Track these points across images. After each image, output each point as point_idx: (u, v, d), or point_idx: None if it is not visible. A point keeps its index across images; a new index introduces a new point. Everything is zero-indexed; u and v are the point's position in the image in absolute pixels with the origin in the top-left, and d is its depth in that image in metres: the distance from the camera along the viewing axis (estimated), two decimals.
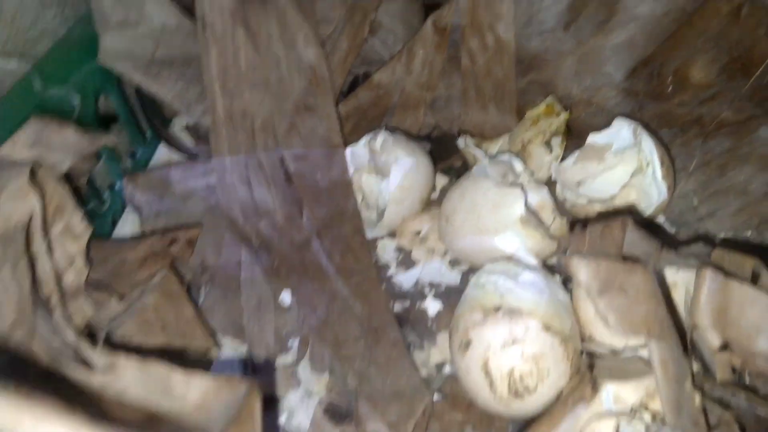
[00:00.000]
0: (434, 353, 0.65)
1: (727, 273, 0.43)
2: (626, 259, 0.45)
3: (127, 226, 0.73)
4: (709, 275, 0.42)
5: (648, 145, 0.64)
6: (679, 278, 0.46)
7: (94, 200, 0.70)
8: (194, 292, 0.69)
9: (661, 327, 0.41)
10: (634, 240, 0.45)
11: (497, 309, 0.54)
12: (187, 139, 0.80)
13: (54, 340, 0.48)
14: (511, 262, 0.59)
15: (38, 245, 0.54)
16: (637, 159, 0.66)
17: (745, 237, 0.67)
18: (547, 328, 0.52)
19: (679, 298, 0.46)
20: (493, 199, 0.63)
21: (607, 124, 0.78)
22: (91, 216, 0.67)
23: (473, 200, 0.64)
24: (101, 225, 0.71)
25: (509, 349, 0.52)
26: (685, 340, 0.44)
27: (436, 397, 0.61)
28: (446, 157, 0.84)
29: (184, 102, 0.72)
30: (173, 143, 0.78)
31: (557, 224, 0.71)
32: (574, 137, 0.79)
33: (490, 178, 0.65)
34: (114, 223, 0.74)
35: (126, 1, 0.68)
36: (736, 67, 0.66)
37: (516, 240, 0.63)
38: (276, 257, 0.70)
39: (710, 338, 0.43)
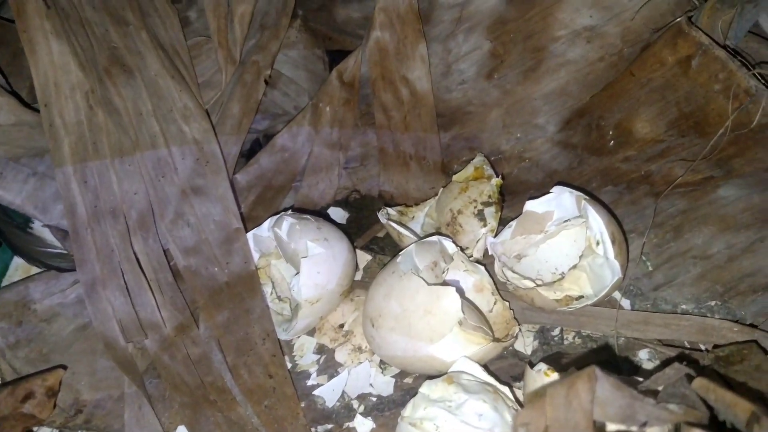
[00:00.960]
0: None
1: (701, 422, 0.34)
2: (597, 426, 0.35)
3: None
4: None
5: (596, 221, 0.55)
6: None
7: None
8: None
9: None
10: (605, 396, 0.35)
11: None
12: (52, 239, 0.66)
13: None
14: (451, 385, 0.49)
15: None
16: (586, 237, 0.57)
17: (709, 307, 0.60)
18: None
19: None
20: (425, 302, 0.53)
21: (543, 179, 0.70)
22: None
23: (402, 303, 0.54)
24: None
25: None
26: None
27: None
28: (368, 226, 0.73)
29: (38, 204, 0.59)
30: (28, 254, 0.64)
31: (499, 308, 0.61)
32: (508, 194, 0.70)
33: (419, 273, 0.54)
34: None
35: None
36: (687, 124, 0.58)
37: (455, 347, 0.53)
38: (167, 383, 0.57)
39: None
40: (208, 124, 0.66)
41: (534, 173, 0.70)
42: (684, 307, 0.60)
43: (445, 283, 0.56)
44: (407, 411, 0.49)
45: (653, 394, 0.40)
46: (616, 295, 0.61)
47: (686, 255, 0.61)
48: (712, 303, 0.59)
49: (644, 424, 0.34)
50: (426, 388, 0.49)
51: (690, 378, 0.42)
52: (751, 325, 0.57)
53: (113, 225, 0.59)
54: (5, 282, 0.66)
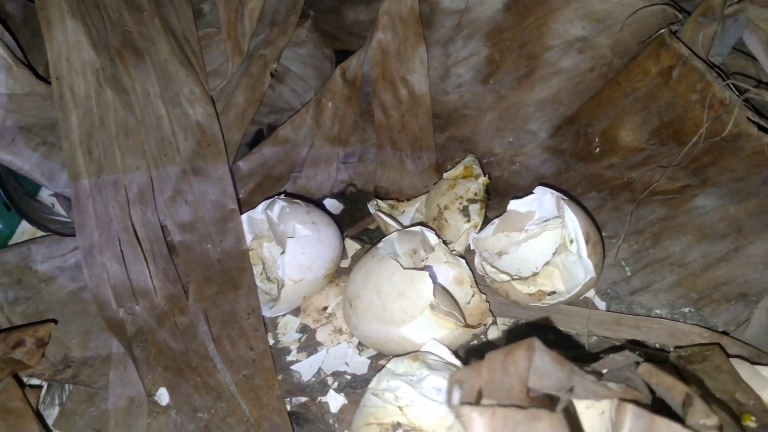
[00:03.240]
0: None
1: (652, 400, 0.35)
2: (531, 395, 0.37)
3: None
4: (631, 412, 0.35)
5: (571, 220, 0.57)
6: (603, 407, 0.38)
7: None
8: (56, 393, 0.59)
9: None
10: (543, 367, 0.37)
11: (395, 427, 0.46)
12: (59, 208, 0.69)
13: None
14: (416, 362, 0.51)
15: None
16: (561, 235, 0.58)
17: (683, 314, 0.61)
18: None
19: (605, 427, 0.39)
20: (399, 284, 0.55)
21: (531, 183, 0.72)
22: None
23: (377, 285, 0.56)
24: None
25: None
26: None
27: None
28: (360, 218, 0.76)
29: (45, 171, 0.62)
30: (35, 219, 0.67)
31: (476, 300, 0.63)
32: (497, 196, 0.72)
33: (397, 258, 0.57)
34: None
35: None
36: (667, 133, 0.60)
37: (425, 330, 0.55)
38: (153, 347, 0.60)
39: None
40: (213, 109, 0.70)
41: (523, 177, 0.72)
42: (658, 312, 0.61)
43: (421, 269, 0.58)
44: (372, 383, 0.51)
45: (598, 375, 0.41)
46: (591, 295, 0.63)
47: (664, 262, 0.62)
48: (686, 309, 0.61)
49: (571, 390, 0.36)
50: (392, 364, 0.51)
51: (638, 365, 0.43)
52: (723, 332, 0.58)
53: (114, 196, 0.62)
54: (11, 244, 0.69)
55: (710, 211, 0.60)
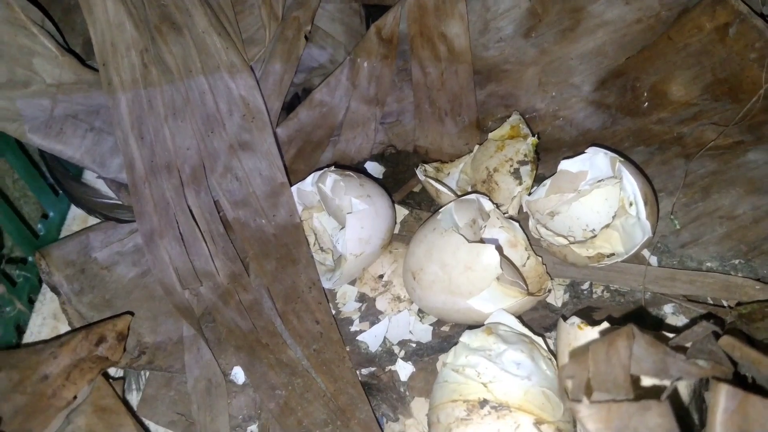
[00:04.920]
0: (410, 425, 0.59)
1: (746, 385, 0.38)
2: (636, 382, 0.39)
3: (47, 305, 0.64)
4: (723, 392, 0.37)
5: (630, 182, 0.58)
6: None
7: (4, 283, 0.60)
8: (133, 379, 0.61)
9: None
10: (641, 353, 0.39)
11: (483, 403, 0.48)
12: (107, 190, 0.69)
13: None
14: (491, 335, 0.53)
15: None
16: (619, 198, 0.59)
17: (733, 265, 0.63)
18: (539, 422, 0.47)
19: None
20: (465, 258, 0.56)
21: (576, 138, 0.72)
22: None
23: (442, 259, 0.57)
24: (5, 331, 0.61)
25: None
26: None
27: None
28: (403, 180, 0.76)
29: (96, 158, 0.62)
30: (85, 204, 0.67)
31: (531, 263, 0.65)
32: (540, 151, 0.72)
33: (459, 231, 0.58)
34: (31, 302, 0.64)
35: (10, 60, 0.56)
36: (721, 90, 0.60)
37: (492, 301, 0.56)
38: (222, 327, 0.62)
39: None
40: (253, 80, 0.68)
41: (567, 132, 0.72)
42: (709, 264, 0.63)
43: (482, 241, 0.60)
44: (449, 358, 0.53)
45: (682, 350, 0.43)
46: (645, 251, 0.65)
47: (713, 215, 0.64)
48: (736, 261, 0.63)
49: (678, 379, 0.38)
50: (466, 338, 0.53)
51: (717, 336, 0.45)
52: None
53: (168, 179, 0.62)
54: (64, 231, 0.70)
55: (761, 165, 0.61)
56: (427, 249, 0.59)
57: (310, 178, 0.68)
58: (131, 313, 0.59)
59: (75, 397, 0.50)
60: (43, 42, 0.57)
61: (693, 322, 0.52)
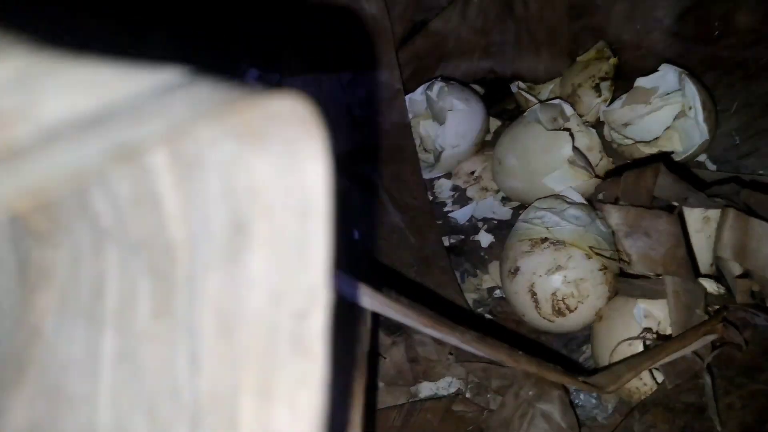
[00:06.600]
0: (486, 279, 0.72)
1: (749, 211, 0.48)
2: (656, 201, 0.50)
3: None
4: (731, 214, 0.48)
5: (691, 90, 0.68)
6: (710, 215, 0.51)
7: None
8: None
9: (677, 264, 0.47)
10: (666, 184, 0.50)
11: (544, 240, 0.61)
12: None
13: None
14: (558, 199, 0.65)
15: None
16: (681, 103, 0.70)
17: None
18: (588, 256, 0.59)
19: (711, 231, 0.52)
20: (543, 143, 0.69)
21: (655, 67, 0.82)
22: None
23: (524, 144, 0.70)
24: None
25: (553, 275, 0.59)
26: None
27: (488, 316, 0.69)
28: (500, 100, 0.89)
29: None
30: None
31: (604, 163, 0.76)
32: (623, 80, 0.83)
33: (541, 122, 0.71)
34: None
35: None
36: None
37: (564, 179, 0.69)
38: (345, 193, 0.78)
39: (732, 268, 0.49)
40: (384, 4, 0.84)
41: (649, 61, 0.82)
42: (761, 172, 0.72)
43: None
44: (522, 215, 0.66)
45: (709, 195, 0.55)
46: (703, 159, 0.75)
47: None
48: None
49: (686, 199, 0.50)
50: (538, 202, 0.66)
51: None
52: None
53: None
54: None
55: None
56: (512, 138, 0.73)
57: (420, 89, 0.82)
58: None
59: None
60: None
61: (724, 182, 0.62)
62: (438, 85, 0.79)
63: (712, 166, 0.75)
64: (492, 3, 0.89)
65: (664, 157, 0.64)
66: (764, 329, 0.54)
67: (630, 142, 0.73)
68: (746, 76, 0.73)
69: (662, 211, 0.48)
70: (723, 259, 0.49)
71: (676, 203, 0.51)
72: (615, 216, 0.47)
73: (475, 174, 0.82)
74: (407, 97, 0.83)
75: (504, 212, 0.77)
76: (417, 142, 0.85)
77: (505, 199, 0.78)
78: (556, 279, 0.59)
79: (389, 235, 0.75)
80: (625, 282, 0.54)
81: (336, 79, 0.82)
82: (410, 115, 0.84)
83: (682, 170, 0.68)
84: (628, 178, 0.51)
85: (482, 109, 0.79)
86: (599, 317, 0.58)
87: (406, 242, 0.74)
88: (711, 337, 0.46)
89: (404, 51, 0.90)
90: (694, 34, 0.78)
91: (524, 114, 0.73)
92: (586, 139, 0.77)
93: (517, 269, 0.62)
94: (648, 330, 0.49)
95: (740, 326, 0.53)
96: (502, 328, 0.67)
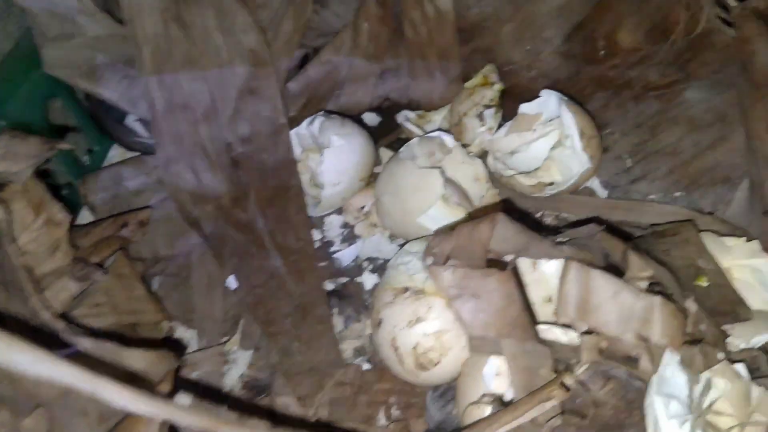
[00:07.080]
0: (369, 325, 0.68)
1: (590, 262, 0.45)
2: (490, 258, 0.46)
3: (84, 220, 0.78)
4: (573, 267, 0.44)
5: (567, 117, 0.65)
6: (552, 267, 0.47)
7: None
8: (147, 282, 0.74)
9: (510, 325, 0.43)
10: (505, 235, 0.46)
11: (405, 290, 0.57)
12: (142, 131, 0.83)
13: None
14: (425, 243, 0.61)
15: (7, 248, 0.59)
16: (558, 132, 0.66)
17: (674, 198, 0.68)
18: (450, 305, 0.55)
19: (553, 285, 0.48)
20: (414, 181, 0.65)
21: (547, 87, 0.79)
22: None
23: (397, 183, 0.66)
24: None
25: (414, 327, 0.55)
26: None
27: (366, 366, 0.65)
28: (395, 128, 0.85)
29: (129, 100, 0.76)
30: (124, 142, 0.82)
31: (491, 195, 0.72)
32: (516, 102, 0.79)
33: (415, 159, 0.67)
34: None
35: (60, 17, 0.71)
36: (657, 33, 0.66)
37: (438, 218, 0.65)
38: (223, 240, 0.74)
39: (577, 326, 0.45)
40: (263, 37, 0.80)
41: (540, 82, 0.79)
42: (653, 197, 0.69)
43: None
44: (392, 259, 0.62)
45: (559, 242, 0.51)
46: (595, 185, 0.71)
47: (660, 152, 0.69)
48: (678, 194, 0.68)
49: (526, 250, 0.46)
50: (408, 245, 0.62)
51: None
52: (709, 213, 0.65)
53: (184, 116, 0.75)
54: (105, 164, 0.85)
55: (697, 103, 0.66)
56: (388, 175, 0.69)
57: (304, 123, 0.78)
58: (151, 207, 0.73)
59: (101, 265, 0.64)
60: (84, 1, 0.72)
61: (581, 223, 0.58)
62: (319, 120, 0.76)
63: (603, 192, 0.71)
64: (382, 28, 0.85)
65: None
66: (625, 382, 0.50)
67: (512, 172, 0.69)
68: (633, 96, 0.70)
69: (493, 269, 0.44)
70: (566, 320, 0.45)
71: (515, 255, 0.47)
72: (442, 277, 0.44)
73: (365, 209, 0.78)
74: (294, 132, 0.79)
75: (390, 250, 0.74)
76: (307, 176, 0.81)
77: (392, 237, 0.75)
78: (415, 332, 0.55)
79: (267, 282, 0.71)
80: (476, 337, 0.50)
81: (215, 116, 0.78)
82: (299, 149, 0.80)
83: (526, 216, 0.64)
84: (462, 232, 0.47)
85: (365, 143, 0.75)
86: (461, 372, 0.54)
87: (283, 289, 0.70)
88: (550, 404, 0.42)
89: (297, 81, 0.86)
90: (582, 54, 0.75)
91: (399, 150, 0.69)
92: (472, 170, 0.73)
93: (380, 321, 0.58)
94: (487, 395, 0.46)
95: (602, 379, 0.50)
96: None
